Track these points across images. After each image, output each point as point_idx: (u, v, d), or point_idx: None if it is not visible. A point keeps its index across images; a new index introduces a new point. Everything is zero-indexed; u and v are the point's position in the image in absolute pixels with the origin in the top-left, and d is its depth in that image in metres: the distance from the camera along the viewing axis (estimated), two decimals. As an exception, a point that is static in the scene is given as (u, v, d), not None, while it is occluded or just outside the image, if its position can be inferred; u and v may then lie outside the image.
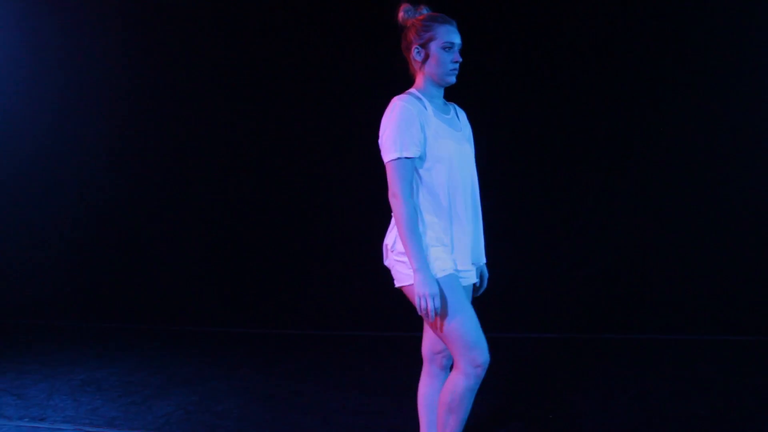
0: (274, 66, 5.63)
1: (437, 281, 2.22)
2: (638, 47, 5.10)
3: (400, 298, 2.47)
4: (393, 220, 2.35)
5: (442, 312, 2.23)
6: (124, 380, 4.22)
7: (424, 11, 2.37)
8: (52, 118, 6.11)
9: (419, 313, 2.24)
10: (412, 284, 2.26)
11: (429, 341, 2.55)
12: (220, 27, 5.72)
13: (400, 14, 2.37)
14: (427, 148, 2.27)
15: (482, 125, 5.01)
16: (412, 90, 2.38)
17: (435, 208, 2.30)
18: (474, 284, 2.56)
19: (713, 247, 5.03)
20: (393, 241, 2.34)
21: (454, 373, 2.30)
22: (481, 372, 2.27)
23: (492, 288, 2.67)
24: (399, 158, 2.24)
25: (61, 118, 6.08)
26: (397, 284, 2.36)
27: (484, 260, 2.52)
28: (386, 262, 2.40)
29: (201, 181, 5.80)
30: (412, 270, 2.23)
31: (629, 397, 3.64)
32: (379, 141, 2.30)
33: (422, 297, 2.18)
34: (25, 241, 6.23)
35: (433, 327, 2.30)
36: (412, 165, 2.27)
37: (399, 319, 2.38)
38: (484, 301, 2.82)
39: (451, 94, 2.51)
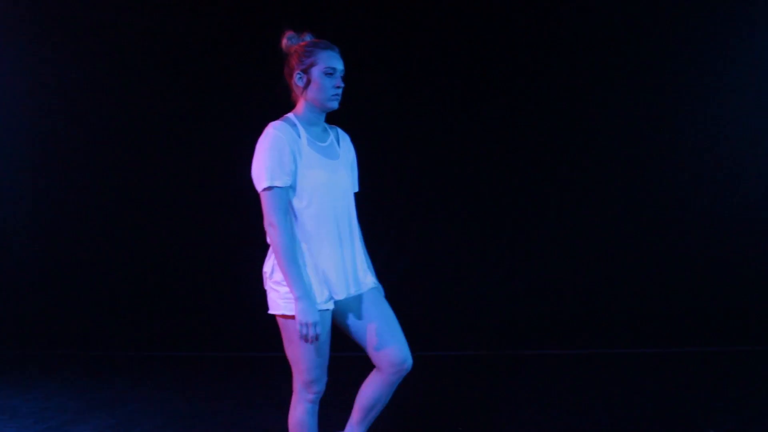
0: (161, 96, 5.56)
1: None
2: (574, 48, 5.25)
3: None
4: (271, 248, 2.37)
5: (297, 342, 2.30)
6: (41, 406, 4.14)
7: (308, 38, 2.39)
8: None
9: (294, 339, 2.31)
10: (283, 314, 2.32)
11: (377, 353, 2.47)
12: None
13: (284, 41, 2.38)
14: (297, 177, 2.28)
15: (414, 139, 5.09)
16: (289, 115, 2.38)
17: (304, 236, 2.32)
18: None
19: (625, 259, 5.19)
20: (271, 269, 2.36)
21: (292, 399, 2.44)
22: (314, 398, 2.41)
23: (410, 306, 2.70)
24: (271, 187, 2.24)
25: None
26: (270, 311, 2.39)
27: (367, 288, 2.47)
28: (265, 286, 2.42)
29: (104, 204, 5.67)
30: (293, 298, 2.24)
31: (533, 411, 3.77)
32: (251, 169, 2.30)
33: (303, 325, 2.22)
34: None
35: (287, 350, 2.39)
36: (286, 193, 2.27)
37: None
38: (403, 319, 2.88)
39: (348, 115, 2.53)
